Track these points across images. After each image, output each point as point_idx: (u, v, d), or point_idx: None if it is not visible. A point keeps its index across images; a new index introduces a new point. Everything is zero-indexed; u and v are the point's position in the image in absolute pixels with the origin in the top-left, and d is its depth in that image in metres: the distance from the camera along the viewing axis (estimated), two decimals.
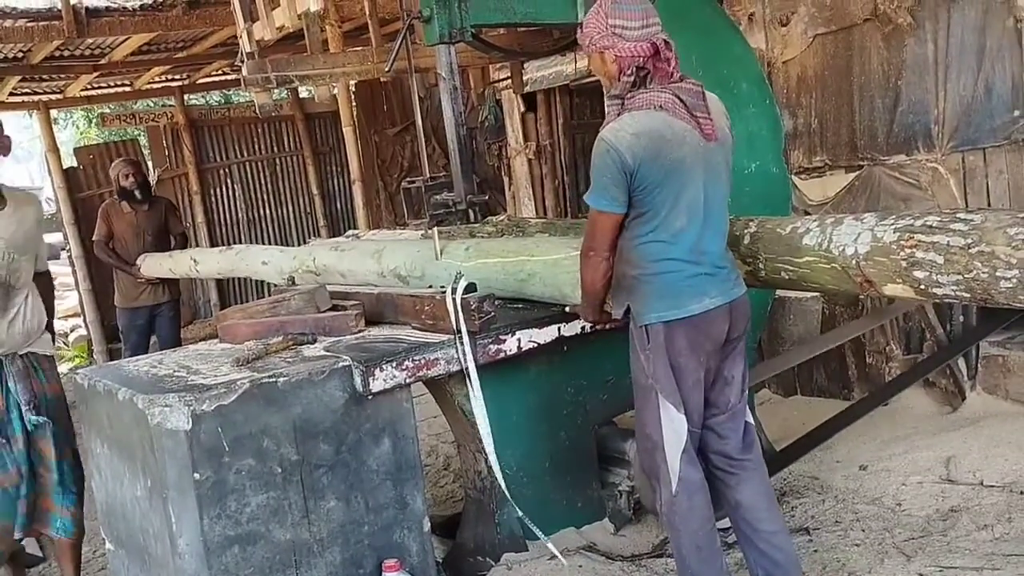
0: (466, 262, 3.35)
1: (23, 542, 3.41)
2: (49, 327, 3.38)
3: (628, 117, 2.56)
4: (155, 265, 6.11)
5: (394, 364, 2.77)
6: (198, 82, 9.78)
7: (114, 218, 6.26)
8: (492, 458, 2.95)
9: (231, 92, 12.81)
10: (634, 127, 2.53)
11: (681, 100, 2.56)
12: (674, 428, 2.63)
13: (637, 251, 2.61)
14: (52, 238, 13.12)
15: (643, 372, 2.66)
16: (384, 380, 2.74)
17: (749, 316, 2.75)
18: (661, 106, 2.54)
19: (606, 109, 2.64)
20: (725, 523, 3.34)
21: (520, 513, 3.02)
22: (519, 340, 3.04)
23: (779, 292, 4.15)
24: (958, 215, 2.46)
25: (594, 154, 2.60)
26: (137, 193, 6.21)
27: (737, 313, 2.67)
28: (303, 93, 9.90)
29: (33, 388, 3.24)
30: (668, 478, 2.65)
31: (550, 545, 3.01)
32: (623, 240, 2.64)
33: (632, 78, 2.58)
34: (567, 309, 3.07)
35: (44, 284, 3.43)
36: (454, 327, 2.89)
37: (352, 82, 8.44)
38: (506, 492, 3.00)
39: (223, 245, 9.62)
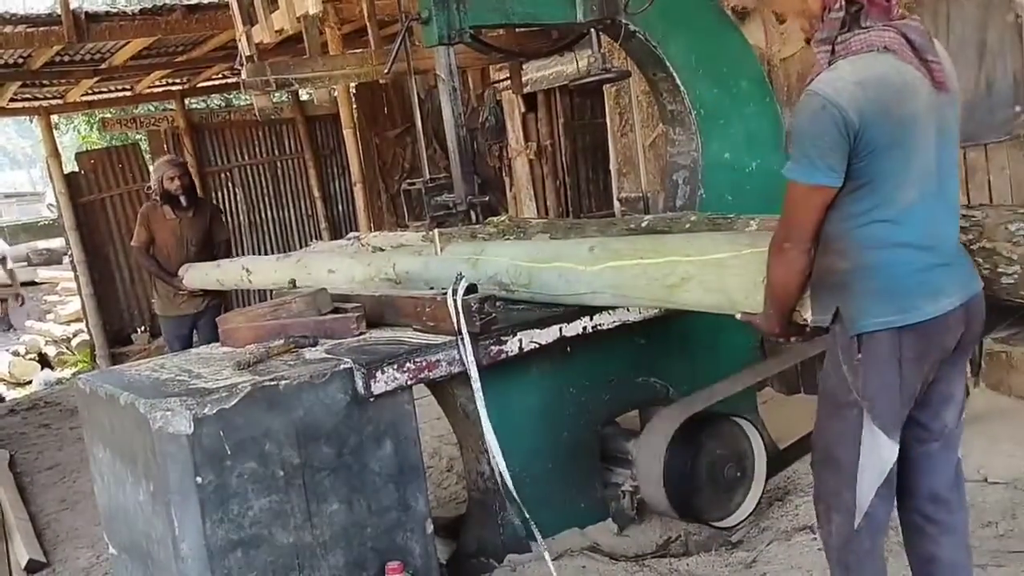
0: (590, 265, 2.92)
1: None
2: None
3: (846, 63, 2.04)
4: (200, 276, 5.60)
5: (395, 366, 2.76)
6: (198, 86, 9.80)
7: (155, 224, 5.73)
8: (498, 459, 2.91)
9: (232, 95, 12.83)
10: (856, 74, 2.01)
11: (908, 40, 2.05)
12: (879, 455, 2.13)
13: (853, 236, 2.07)
14: (55, 243, 13.20)
15: (845, 387, 2.13)
16: (385, 382, 2.74)
17: (983, 318, 2.20)
18: (886, 47, 2.03)
19: (815, 58, 2.13)
20: (728, 522, 3.34)
21: (527, 516, 2.99)
22: (520, 341, 3.03)
23: None
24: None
25: (802, 114, 2.06)
26: (183, 199, 5.68)
27: (973, 314, 2.15)
28: (303, 96, 9.93)
29: None
30: (851, 508, 2.17)
31: (547, 555, 2.93)
32: (830, 224, 2.09)
33: (841, 14, 2.08)
34: (738, 317, 2.51)
35: None
36: (455, 329, 2.88)
37: (352, 84, 8.45)
38: (514, 494, 2.97)
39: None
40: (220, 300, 5.95)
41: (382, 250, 4.36)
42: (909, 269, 2.06)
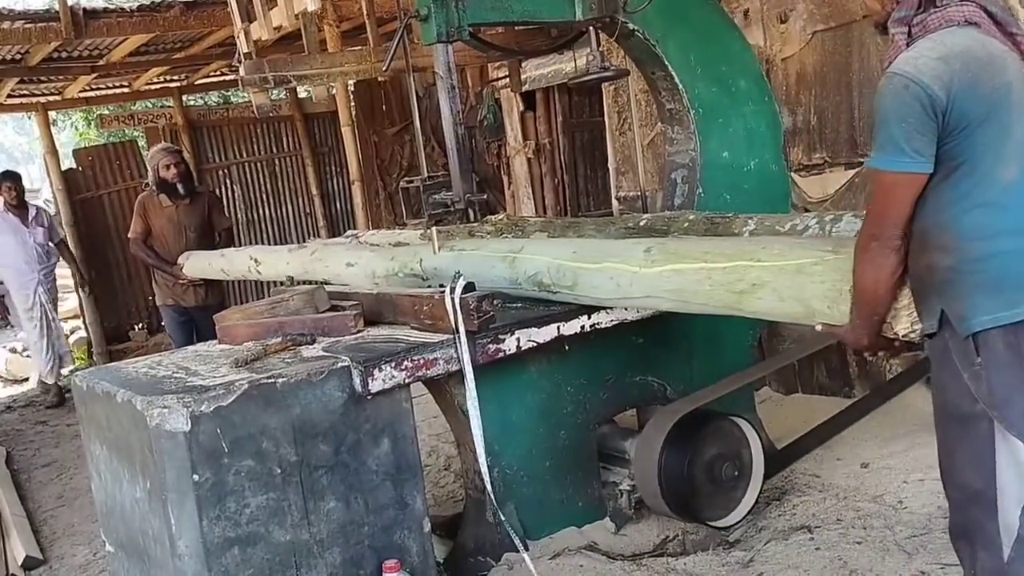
0: (647, 267, 2.73)
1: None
2: None
3: (925, 41, 1.94)
4: (202, 265, 5.51)
5: (393, 364, 2.76)
6: (196, 83, 9.78)
7: (151, 213, 5.68)
8: (482, 460, 2.92)
9: (230, 93, 12.80)
10: (937, 50, 1.91)
11: (989, 13, 1.97)
12: (1020, 470, 1.93)
13: (954, 227, 1.91)
14: None
15: (968, 397, 1.94)
16: (383, 380, 2.73)
17: None
18: (966, 20, 1.95)
19: (892, 40, 2.03)
20: (726, 522, 3.34)
21: (503, 518, 3.00)
22: (518, 339, 3.03)
23: None
24: None
25: (883, 97, 1.93)
26: (180, 187, 5.64)
27: None
28: (301, 93, 9.91)
29: None
30: (997, 539, 1.97)
31: (526, 557, 2.94)
32: (926, 218, 1.93)
33: None
34: (818, 328, 2.29)
35: None
36: (453, 327, 2.88)
37: (351, 82, 8.44)
38: (491, 496, 2.98)
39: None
40: (222, 299, 5.86)
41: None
42: (1018, 258, 1.90)
